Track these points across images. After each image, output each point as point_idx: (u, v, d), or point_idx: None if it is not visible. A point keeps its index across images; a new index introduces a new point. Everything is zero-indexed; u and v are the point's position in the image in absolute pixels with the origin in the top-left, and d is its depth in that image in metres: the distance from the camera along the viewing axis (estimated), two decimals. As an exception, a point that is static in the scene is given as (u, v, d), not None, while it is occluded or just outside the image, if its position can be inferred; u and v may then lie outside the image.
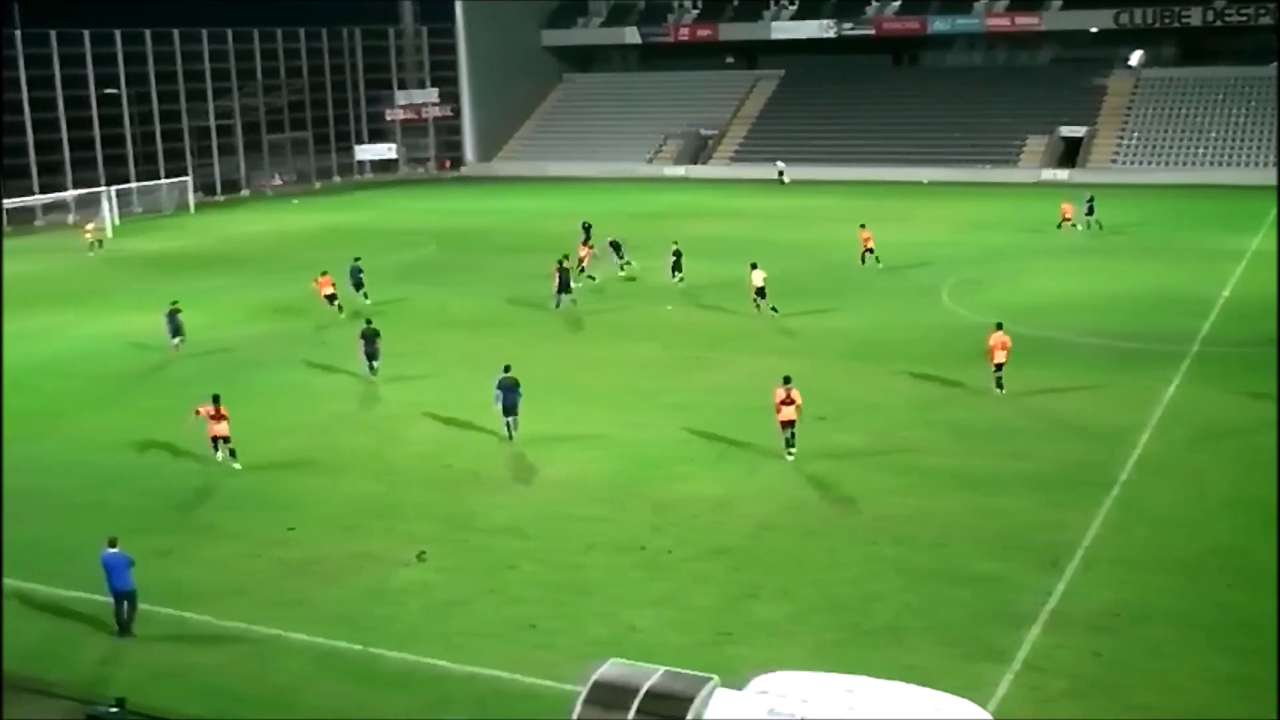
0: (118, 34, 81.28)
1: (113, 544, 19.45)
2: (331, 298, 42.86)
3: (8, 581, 21.12)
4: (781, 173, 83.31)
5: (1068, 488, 24.74)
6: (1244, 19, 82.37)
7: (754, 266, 41.46)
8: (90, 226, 63.30)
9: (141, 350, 38.73)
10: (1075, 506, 23.63)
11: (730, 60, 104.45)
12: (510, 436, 28.48)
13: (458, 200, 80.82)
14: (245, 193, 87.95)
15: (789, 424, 26.55)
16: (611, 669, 13.91)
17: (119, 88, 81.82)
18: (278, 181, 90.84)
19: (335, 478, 26.61)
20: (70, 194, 74.09)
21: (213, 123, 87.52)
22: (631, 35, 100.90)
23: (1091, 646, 18.21)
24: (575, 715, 13.39)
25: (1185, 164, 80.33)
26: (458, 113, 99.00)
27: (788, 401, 26.40)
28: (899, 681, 14.39)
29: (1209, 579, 20.51)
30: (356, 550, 22.48)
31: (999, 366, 31.09)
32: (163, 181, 79.70)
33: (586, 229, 53.99)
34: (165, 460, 28.02)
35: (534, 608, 19.97)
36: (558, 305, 42.97)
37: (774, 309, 40.60)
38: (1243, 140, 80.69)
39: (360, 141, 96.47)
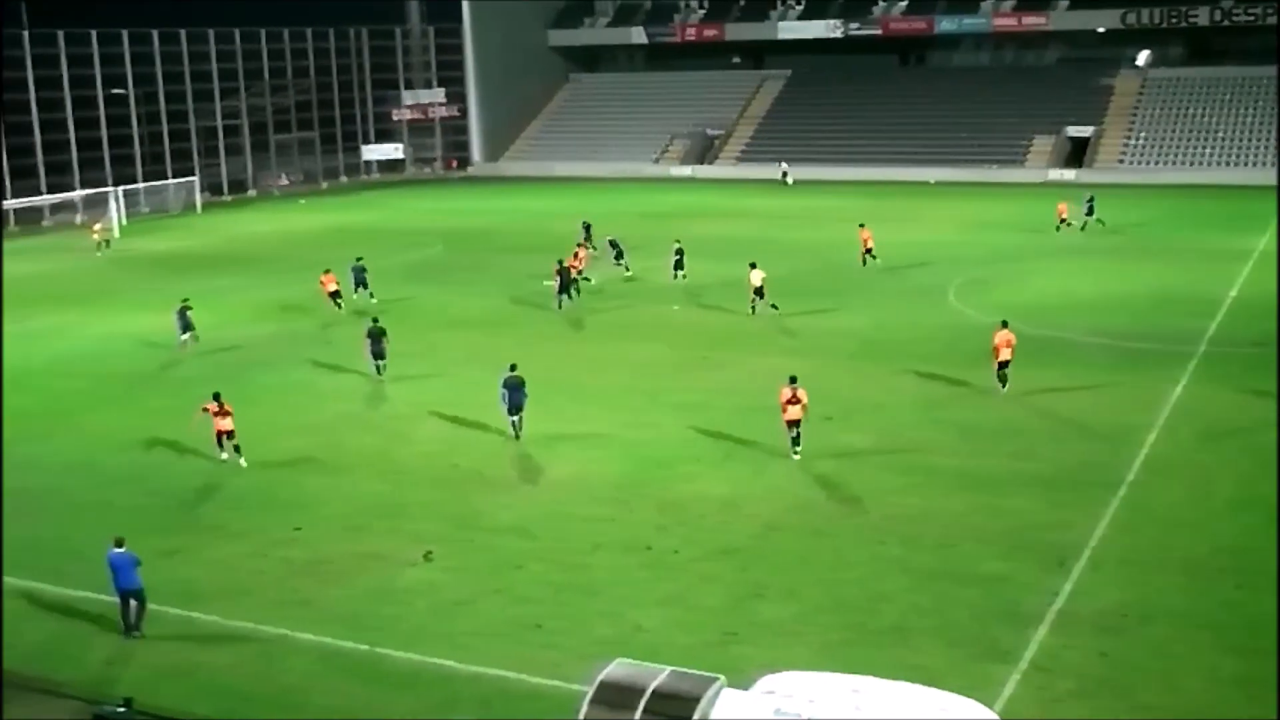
0: (125, 34, 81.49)
1: (119, 544, 19.47)
2: (335, 295, 43.03)
3: (15, 581, 21.16)
4: (785, 173, 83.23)
5: (1074, 488, 24.70)
6: (1251, 19, 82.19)
7: (753, 266, 41.45)
8: (98, 226, 63.48)
9: (149, 349, 38.80)
10: (1082, 506, 23.59)
11: (736, 60, 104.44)
12: (516, 436, 28.50)
13: (464, 200, 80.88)
14: (252, 193, 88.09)
15: (795, 423, 26.52)
16: (618, 669, 13.89)
17: (126, 88, 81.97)
18: (284, 181, 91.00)
19: (341, 477, 26.63)
20: (78, 194, 74.17)
21: (220, 123, 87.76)
22: (638, 35, 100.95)
23: (1098, 647, 18.17)
24: (581, 715, 13.39)
25: (1192, 164, 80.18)
26: (464, 113, 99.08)
27: (793, 401, 26.37)
28: (905, 682, 14.37)
29: (1216, 579, 20.47)
30: (363, 550, 22.49)
31: (1003, 365, 31.07)
32: (170, 181, 79.87)
33: (587, 229, 54.08)
34: (171, 460, 28.06)
35: (540, 607, 19.96)
36: (559, 306, 43.07)
37: (773, 306, 40.59)
38: (1250, 140, 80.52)
39: (367, 141, 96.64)
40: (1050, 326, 38.06)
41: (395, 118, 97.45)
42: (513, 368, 28.92)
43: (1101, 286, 45.11)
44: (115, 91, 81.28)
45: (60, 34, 78.30)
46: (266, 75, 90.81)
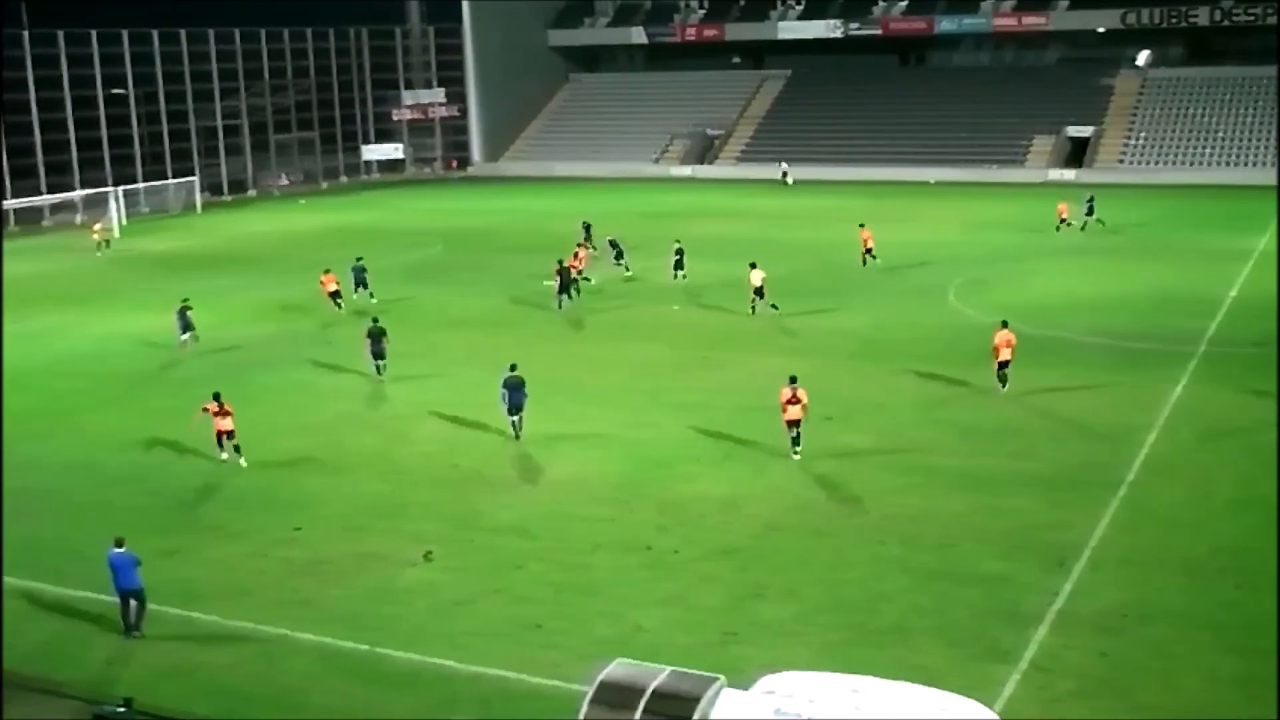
0: (125, 34, 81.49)
1: (119, 544, 19.47)
2: (335, 295, 43.06)
3: (15, 581, 21.16)
4: (785, 174, 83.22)
5: (1074, 488, 24.70)
6: (1252, 19, 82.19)
7: (753, 266, 41.47)
8: (98, 226, 63.49)
9: (149, 349, 38.80)
10: (1082, 506, 23.59)
11: (737, 60, 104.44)
12: (516, 436, 28.50)
13: (464, 200, 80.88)
14: (252, 193, 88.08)
15: (795, 423, 26.53)
16: (618, 669, 13.89)
17: (126, 88, 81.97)
18: (284, 181, 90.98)
19: (341, 477, 26.63)
20: (78, 194, 74.19)
21: (220, 123, 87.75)
22: (638, 35, 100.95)
23: (1098, 647, 18.17)
24: (581, 715, 13.39)
25: (1193, 164, 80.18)
26: (464, 113, 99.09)
27: (793, 401, 26.37)
28: (905, 682, 14.38)
29: (1216, 579, 20.47)
30: (363, 550, 22.49)
31: (1003, 364, 31.08)
32: (170, 181, 79.87)
33: (587, 229, 54.09)
34: (171, 460, 28.07)
35: (540, 607, 19.97)
36: (559, 306, 43.08)
37: (773, 305, 40.60)
38: (1250, 140, 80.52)
39: (367, 141, 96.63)
40: (1050, 326, 38.06)
41: (395, 118, 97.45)
42: (513, 368, 28.93)
43: (1101, 286, 45.11)
44: (115, 91, 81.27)
45: (60, 34, 78.30)
46: (266, 75, 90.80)
